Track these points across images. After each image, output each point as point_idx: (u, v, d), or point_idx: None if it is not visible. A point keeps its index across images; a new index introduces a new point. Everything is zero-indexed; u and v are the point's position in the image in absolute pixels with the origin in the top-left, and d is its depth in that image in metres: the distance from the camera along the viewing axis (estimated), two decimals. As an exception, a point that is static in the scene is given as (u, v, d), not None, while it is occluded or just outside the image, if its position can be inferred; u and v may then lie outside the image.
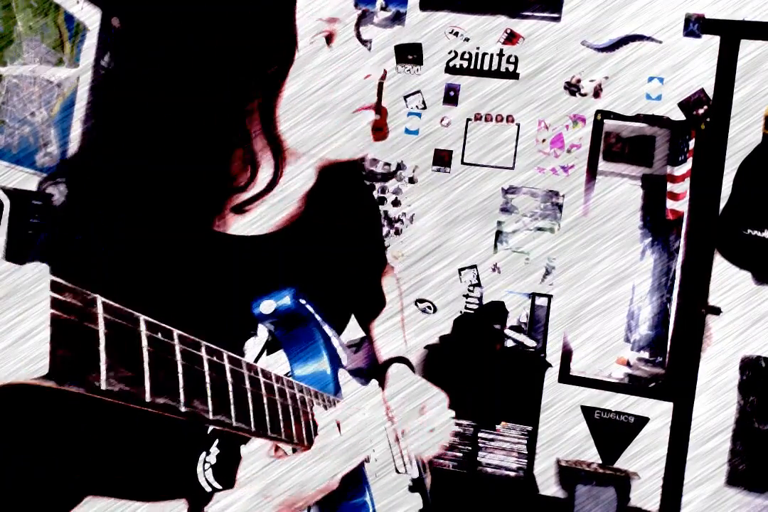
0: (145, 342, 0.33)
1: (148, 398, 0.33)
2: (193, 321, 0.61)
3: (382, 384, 0.94)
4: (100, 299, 0.31)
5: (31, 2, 1.75)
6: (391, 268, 1.16)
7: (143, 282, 0.61)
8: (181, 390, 0.36)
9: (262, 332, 0.72)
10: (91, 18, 2.06)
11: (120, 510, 0.56)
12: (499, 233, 3.36)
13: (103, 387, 0.29)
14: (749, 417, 2.99)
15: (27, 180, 1.83)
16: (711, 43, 3.18)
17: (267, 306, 0.67)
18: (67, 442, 0.56)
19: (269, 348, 0.72)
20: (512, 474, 2.97)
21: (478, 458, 2.99)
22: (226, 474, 0.65)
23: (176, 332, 0.37)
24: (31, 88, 1.81)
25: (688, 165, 3.22)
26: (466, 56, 3.42)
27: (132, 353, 0.32)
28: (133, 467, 0.60)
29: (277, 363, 0.72)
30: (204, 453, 0.66)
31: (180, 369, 0.36)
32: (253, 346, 0.71)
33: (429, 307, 3.37)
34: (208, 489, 0.65)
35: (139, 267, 0.61)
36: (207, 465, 0.65)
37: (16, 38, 1.72)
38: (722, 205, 3.08)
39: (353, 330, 0.90)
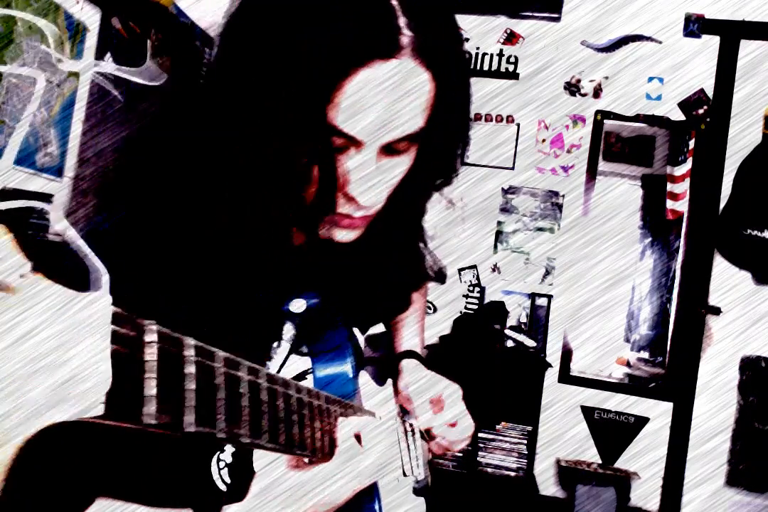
0: (192, 369, 0.32)
1: (192, 429, 0.32)
2: (225, 323, 0.62)
3: (394, 377, 0.94)
4: (151, 326, 0.30)
5: (31, 2, 1.75)
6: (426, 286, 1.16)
7: (179, 284, 0.61)
8: (221, 418, 0.35)
9: (289, 332, 0.73)
10: (91, 18, 2.06)
11: None
12: (499, 233, 3.36)
13: (151, 421, 0.29)
14: (749, 417, 2.99)
15: (27, 180, 1.83)
16: (711, 43, 3.18)
17: (298, 305, 0.68)
18: (79, 441, 0.56)
19: (296, 347, 0.73)
20: (512, 474, 2.97)
21: (478, 458, 2.99)
22: (241, 473, 0.66)
23: (220, 354, 0.36)
24: (31, 88, 1.81)
25: (688, 165, 3.22)
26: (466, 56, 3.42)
27: (178, 381, 0.31)
28: (146, 465, 0.60)
29: (299, 360, 0.73)
30: (218, 452, 0.66)
31: (221, 395, 0.35)
32: (280, 347, 0.72)
33: (429, 307, 3.37)
34: (223, 487, 0.66)
35: (176, 270, 0.61)
36: (222, 464, 0.66)
37: (16, 38, 1.72)
38: (722, 205, 3.08)
39: (375, 325, 0.91)
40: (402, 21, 0.55)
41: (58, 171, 1.95)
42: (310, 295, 0.70)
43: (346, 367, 0.72)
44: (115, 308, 0.28)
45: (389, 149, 0.62)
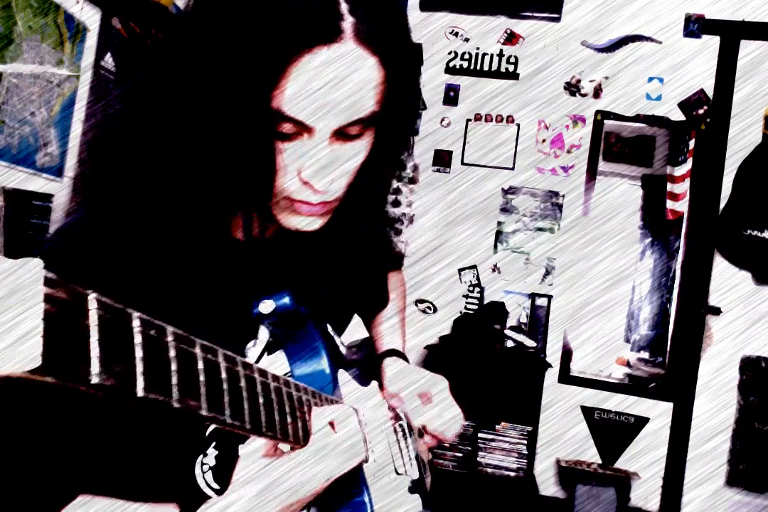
0: (138, 339, 0.33)
1: (140, 393, 0.33)
2: (196, 323, 0.62)
3: (378, 377, 0.94)
4: (92, 294, 0.31)
5: (31, 2, 1.75)
6: (399, 270, 1.16)
7: (146, 284, 0.62)
8: (174, 387, 0.36)
9: (263, 333, 0.72)
10: (91, 18, 2.06)
11: None
12: (499, 233, 3.36)
13: (95, 381, 0.29)
14: (749, 417, 2.99)
15: (27, 180, 1.83)
16: (711, 43, 3.18)
17: (266, 306, 0.68)
18: (61, 438, 0.56)
19: (270, 348, 0.73)
20: (512, 474, 2.97)
21: (478, 458, 2.99)
22: (226, 476, 0.65)
23: (170, 329, 0.37)
24: (31, 88, 1.81)
25: (688, 165, 3.22)
26: (466, 56, 3.42)
27: (125, 349, 0.32)
28: (128, 467, 0.61)
29: (277, 363, 0.73)
30: (201, 456, 0.66)
31: (174, 366, 0.36)
32: (254, 348, 0.72)
33: (429, 307, 3.37)
34: (208, 491, 0.65)
35: (143, 269, 0.62)
36: (206, 467, 0.65)
37: (16, 38, 1.72)
38: (722, 205, 3.08)
39: (356, 329, 0.90)
40: (344, 7, 0.57)
41: (58, 171, 1.95)
42: (280, 295, 0.69)
43: (323, 365, 0.71)
44: (52, 274, 0.29)
45: (342, 134, 0.62)
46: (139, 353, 0.33)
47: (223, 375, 0.42)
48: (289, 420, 0.54)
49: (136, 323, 0.33)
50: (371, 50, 0.59)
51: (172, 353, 0.36)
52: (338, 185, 0.65)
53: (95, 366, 0.30)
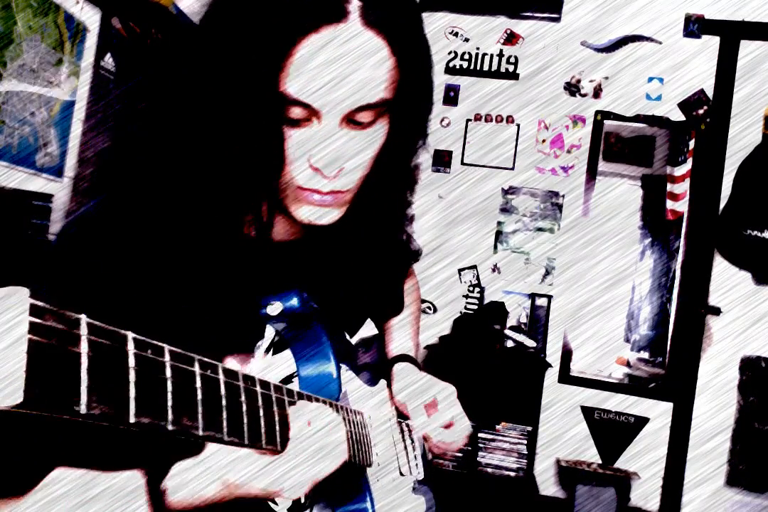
0: (132, 362, 0.32)
1: (132, 419, 0.32)
2: (206, 322, 0.61)
3: (388, 381, 0.94)
4: (84, 320, 0.30)
5: (31, 2, 1.75)
6: (412, 270, 1.15)
7: (156, 284, 0.61)
8: (170, 409, 0.35)
9: (269, 333, 0.72)
10: (91, 18, 2.06)
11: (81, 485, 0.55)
12: (499, 233, 3.36)
13: (83, 411, 0.29)
14: (749, 417, 2.99)
15: (27, 180, 1.82)
16: (711, 43, 3.18)
17: (274, 307, 0.67)
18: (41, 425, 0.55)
19: (277, 347, 0.72)
20: (512, 474, 2.97)
21: (478, 458, 2.99)
22: None
23: (167, 348, 0.36)
24: (30, 89, 1.81)
25: (688, 165, 3.22)
26: (466, 57, 3.42)
27: (117, 374, 0.31)
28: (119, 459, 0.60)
29: (284, 363, 0.72)
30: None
31: (170, 387, 0.35)
32: (262, 347, 0.71)
33: (429, 307, 3.37)
34: None
35: (152, 268, 0.62)
36: None
37: (16, 38, 1.72)
38: (722, 205, 3.08)
39: (367, 327, 0.90)
40: None
41: (58, 171, 1.95)
42: (288, 296, 0.68)
43: (330, 365, 0.71)
44: (40, 302, 0.28)
45: (352, 121, 0.61)
46: (132, 377, 0.32)
47: (223, 391, 0.41)
48: (278, 428, 0.53)
49: (130, 346, 0.32)
50: (379, 33, 0.58)
51: (168, 373, 0.35)
52: (350, 175, 0.63)
53: (83, 397, 0.29)
